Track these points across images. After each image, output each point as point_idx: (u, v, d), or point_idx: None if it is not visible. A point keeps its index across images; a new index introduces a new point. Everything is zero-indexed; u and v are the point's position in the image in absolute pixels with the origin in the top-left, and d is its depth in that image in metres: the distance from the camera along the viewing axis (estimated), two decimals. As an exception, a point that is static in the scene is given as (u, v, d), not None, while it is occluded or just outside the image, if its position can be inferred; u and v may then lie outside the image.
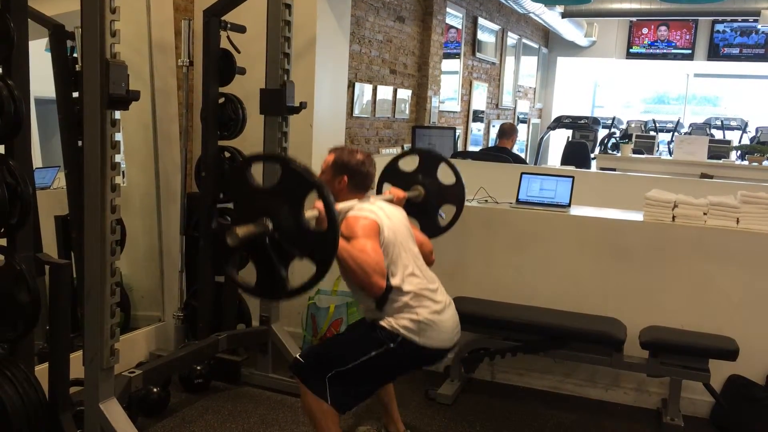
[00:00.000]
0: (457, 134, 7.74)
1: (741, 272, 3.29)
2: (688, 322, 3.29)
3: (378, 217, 2.44)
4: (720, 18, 11.61)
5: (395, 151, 6.78)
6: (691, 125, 11.14)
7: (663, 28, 12.40)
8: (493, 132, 9.45)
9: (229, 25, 3.44)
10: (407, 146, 7.17)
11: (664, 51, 12.48)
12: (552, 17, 9.85)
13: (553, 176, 3.79)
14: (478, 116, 9.54)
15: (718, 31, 12.12)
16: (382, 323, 2.43)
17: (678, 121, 10.96)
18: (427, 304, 2.45)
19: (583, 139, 9.43)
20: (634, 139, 8.91)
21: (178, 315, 3.64)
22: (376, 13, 6.60)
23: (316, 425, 2.45)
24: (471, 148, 8.97)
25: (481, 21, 9.26)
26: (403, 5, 7.11)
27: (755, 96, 13.03)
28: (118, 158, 2.40)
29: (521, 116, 11.52)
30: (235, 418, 3.13)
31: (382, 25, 6.73)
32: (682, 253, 3.35)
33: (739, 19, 11.36)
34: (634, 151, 8.36)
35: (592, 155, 8.90)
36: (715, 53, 12.22)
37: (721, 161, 7.70)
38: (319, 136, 3.93)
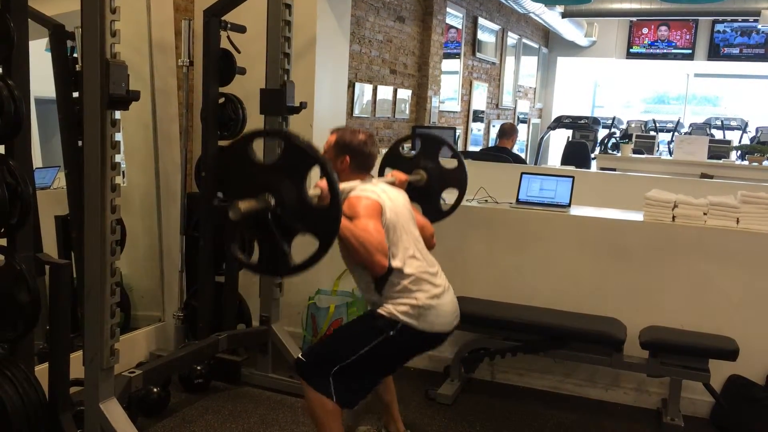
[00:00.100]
0: (457, 134, 7.74)
1: (741, 272, 3.29)
2: (688, 322, 3.29)
3: (380, 198, 2.43)
4: (720, 18, 11.61)
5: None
6: (691, 125, 11.14)
7: (663, 28, 12.40)
8: (493, 132, 9.45)
9: (229, 25, 3.44)
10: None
11: (664, 51, 12.48)
12: (552, 17, 9.85)
13: (553, 176, 3.79)
14: (478, 116, 9.54)
15: (718, 31, 12.12)
16: (381, 311, 2.42)
17: (678, 121, 10.96)
18: (426, 288, 2.44)
19: (583, 139, 9.42)
20: (634, 139, 8.91)
21: (178, 315, 3.64)
22: (376, 13, 6.60)
23: (319, 425, 2.45)
24: (471, 148, 8.97)
25: (481, 21, 9.26)
26: (403, 5, 7.11)
27: (755, 96, 13.03)
28: (118, 158, 2.40)
29: (521, 116, 11.52)
30: (235, 418, 3.13)
31: (382, 25, 6.73)
32: (682, 253, 3.35)
33: (739, 19, 11.36)
34: (634, 151, 8.36)
35: (592, 155, 8.89)
36: (715, 53, 12.22)
37: (721, 161, 7.69)
38: (319, 137, 3.92)
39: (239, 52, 3.52)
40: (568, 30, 10.97)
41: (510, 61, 10.65)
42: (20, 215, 2.21)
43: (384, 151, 3.12)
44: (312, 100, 3.82)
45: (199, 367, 3.37)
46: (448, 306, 2.52)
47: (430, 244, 2.70)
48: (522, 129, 11.09)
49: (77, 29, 2.91)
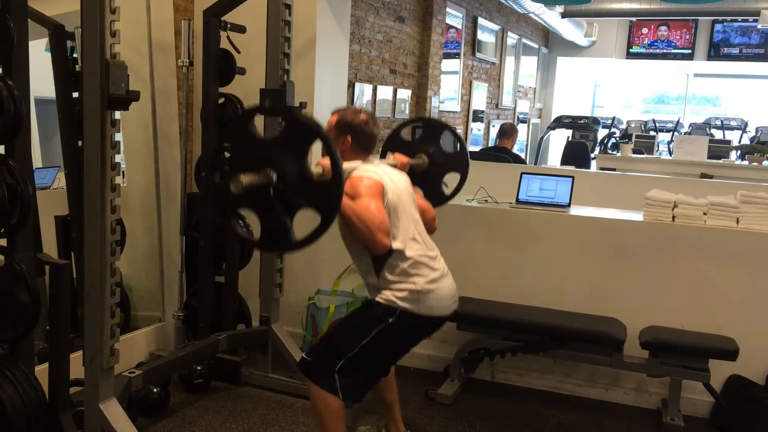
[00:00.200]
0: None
1: (741, 272, 3.29)
2: (688, 322, 3.29)
3: (382, 178, 2.42)
4: (720, 18, 11.61)
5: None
6: (691, 125, 11.14)
7: (663, 28, 12.40)
8: (493, 132, 9.45)
9: (229, 25, 3.44)
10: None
11: (664, 51, 12.48)
12: (552, 17, 9.85)
13: (553, 176, 3.79)
14: (478, 116, 9.54)
15: (718, 31, 12.12)
16: (379, 299, 2.42)
17: (678, 121, 10.96)
18: (425, 273, 2.43)
19: (583, 139, 9.42)
20: (634, 139, 8.91)
21: (178, 315, 3.64)
22: (376, 13, 6.60)
23: (323, 425, 2.45)
24: (471, 148, 8.95)
25: (481, 21, 9.26)
26: (403, 5, 7.11)
27: (755, 96, 13.03)
28: (118, 158, 2.40)
29: (521, 116, 11.52)
30: (235, 418, 3.13)
31: (382, 25, 6.73)
32: (681, 253, 3.35)
33: (739, 19, 11.36)
34: (634, 151, 8.36)
35: (592, 155, 8.90)
36: (715, 53, 12.22)
37: (721, 161, 7.69)
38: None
39: (239, 52, 3.52)
40: (568, 30, 10.97)
41: (510, 61, 10.65)
42: (20, 215, 2.21)
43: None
44: (312, 100, 3.82)
45: (199, 367, 3.37)
46: (447, 290, 2.50)
47: (431, 228, 2.69)
48: (522, 129, 11.09)
49: (77, 29, 2.90)
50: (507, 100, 10.72)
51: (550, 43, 12.81)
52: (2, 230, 2.24)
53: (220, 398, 3.34)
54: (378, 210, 2.31)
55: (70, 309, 2.57)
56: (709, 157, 7.59)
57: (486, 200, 3.79)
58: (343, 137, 2.51)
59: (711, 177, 5.94)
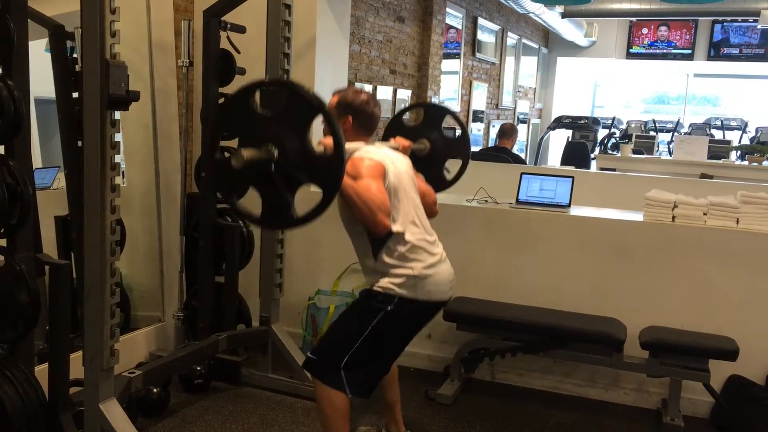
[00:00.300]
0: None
1: (741, 272, 3.29)
2: (688, 322, 3.29)
3: (383, 160, 2.41)
4: (720, 18, 11.62)
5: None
6: (691, 125, 11.14)
7: (663, 28, 12.41)
8: (493, 132, 9.45)
9: (229, 26, 3.44)
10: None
11: (664, 51, 12.48)
12: (552, 17, 9.86)
13: (553, 176, 3.78)
14: (478, 116, 9.54)
15: (718, 31, 12.13)
16: (376, 288, 2.41)
17: (678, 121, 10.96)
18: (423, 257, 2.42)
19: (583, 140, 9.43)
20: (634, 139, 8.92)
21: (178, 315, 3.64)
22: (376, 13, 6.60)
23: (326, 424, 2.45)
24: (471, 149, 8.95)
25: (481, 21, 9.26)
26: (403, 5, 7.12)
27: (755, 96, 13.04)
28: (118, 158, 2.40)
29: (521, 116, 11.52)
30: (235, 419, 3.13)
31: (382, 25, 6.73)
32: (681, 253, 3.35)
33: (739, 19, 11.36)
34: (634, 152, 8.37)
35: (592, 155, 8.90)
36: (715, 53, 12.23)
37: (721, 161, 7.70)
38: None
39: (239, 52, 3.52)
40: (568, 30, 10.97)
41: (510, 61, 10.65)
42: (20, 215, 2.21)
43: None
44: (312, 100, 3.81)
45: (199, 368, 3.36)
46: (445, 274, 2.50)
47: (432, 212, 2.68)
48: (522, 129, 11.10)
49: (77, 29, 2.90)
50: (507, 100, 10.73)
51: (550, 43, 12.81)
52: (2, 230, 2.24)
53: (220, 398, 3.33)
54: (379, 191, 2.30)
55: (70, 309, 2.57)
56: (709, 158, 7.59)
57: (486, 200, 3.79)
58: (344, 117, 2.49)
59: (711, 177, 5.94)
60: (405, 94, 7.26)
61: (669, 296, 3.38)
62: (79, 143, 2.60)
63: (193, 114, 3.95)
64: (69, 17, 3.11)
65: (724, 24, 12.00)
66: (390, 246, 2.39)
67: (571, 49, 12.55)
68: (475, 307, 3.41)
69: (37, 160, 3.38)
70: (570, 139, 9.65)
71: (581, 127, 9.67)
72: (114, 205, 2.39)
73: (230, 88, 3.52)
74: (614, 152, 8.62)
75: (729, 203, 3.32)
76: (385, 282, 2.40)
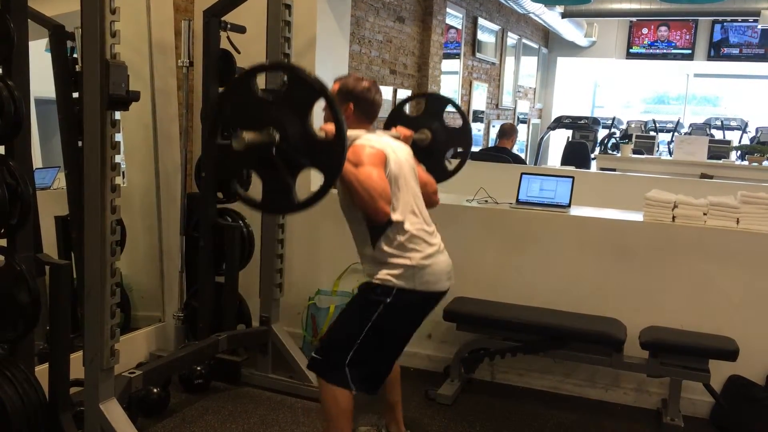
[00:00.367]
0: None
1: (741, 272, 3.29)
2: (688, 323, 3.29)
3: (384, 148, 2.41)
4: (720, 18, 11.62)
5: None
6: (691, 125, 11.14)
7: (663, 28, 12.41)
8: (493, 132, 9.45)
9: (229, 26, 3.44)
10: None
11: (664, 51, 12.49)
12: (552, 17, 9.86)
13: (553, 176, 3.78)
14: (478, 116, 9.54)
15: (718, 31, 12.13)
16: (375, 281, 2.41)
17: (678, 121, 10.96)
18: (421, 248, 2.42)
19: (583, 140, 9.43)
20: (634, 139, 8.92)
21: (178, 315, 3.64)
22: (376, 13, 6.60)
23: (329, 424, 2.45)
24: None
25: (481, 21, 9.26)
26: (403, 5, 7.12)
27: (755, 96, 13.04)
28: (118, 158, 2.40)
29: (521, 116, 11.52)
30: (235, 419, 3.13)
31: (382, 25, 6.73)
32: (681, 253, 3.35)
33: (739, 19, 11.37)
34: (634, 152, 8.37)
35: (592, 155, 8.90)
36: (715, 53, 12.23)
37: (721, 161, 7.70)
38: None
39: (239, 52, 3.52)
40: (568, 30, 10.97)
41: (510, 61, 10.65)
42: (20, 215, 2.21)
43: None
44: (312, 100, 3.81)
45: (199, 368, 3.36)
46: (442, 265, 2.50)
47: (432, 201, 2.68)
48: (522, 129, 11.10)
49: (77, 29, 2.91)
50: (507, 100, 10.73)
51: (550, 43, 12.82)
52: (2, 230, 2.24)
53: (220, 398, 3.33)
54: (380, 178, 2.30)
55: (70, 309, 2.57)
56: (709, 158, 7.59)
57: (486, 200, 3.79)
58: (345, 105, 2.47)
59: (711, 177, 5.94)
60: (405, 95, 7.26)
61: (669, 296, 3.38)
62: (79, 143, 2.60)
63: (194, 114, 3.95)
64: (69, 17, 3.11)
65: (724, 24, 12.01)
66: (389, 235, 2.39)
67: (571, 49, 12.55)
68: (475, 307, 3.41)
69: (37, 160, 3.38)
70: (570, 139, 9.65)
71: (581, 127, 9.67)
72: (114, 205, 2.39)
73: (230, 88, 3.53)
74: (614, 152, 8.62)
75: (729, 203, 3.32)
76: (383, 274, 2.40)
